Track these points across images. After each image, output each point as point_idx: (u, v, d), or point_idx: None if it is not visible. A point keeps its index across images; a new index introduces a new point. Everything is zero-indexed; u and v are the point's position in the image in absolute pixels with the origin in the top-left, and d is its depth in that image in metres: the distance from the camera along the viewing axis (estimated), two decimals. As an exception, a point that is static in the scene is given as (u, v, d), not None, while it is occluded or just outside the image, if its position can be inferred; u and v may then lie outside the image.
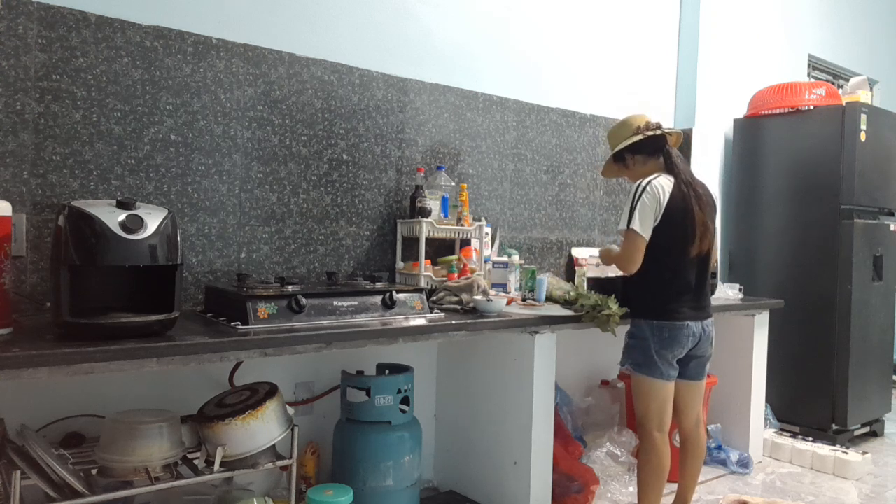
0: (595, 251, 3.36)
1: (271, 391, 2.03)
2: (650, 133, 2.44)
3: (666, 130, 2.47)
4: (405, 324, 2.13)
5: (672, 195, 2.31)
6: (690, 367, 2.45)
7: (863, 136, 3.69)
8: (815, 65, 5.02)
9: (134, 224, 1.65)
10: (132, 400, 2.10)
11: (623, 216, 2.35)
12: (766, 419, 3.55)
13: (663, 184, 2.32)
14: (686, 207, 2.31)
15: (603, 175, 2.73)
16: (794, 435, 3.64)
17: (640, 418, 2.43)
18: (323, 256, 2.64)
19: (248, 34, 2.44)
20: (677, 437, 2.64)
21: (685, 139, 4.01)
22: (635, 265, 2.33)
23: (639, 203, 2.30)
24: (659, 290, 2.36)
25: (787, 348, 3.79)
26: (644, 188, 2.31)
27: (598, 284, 2.79)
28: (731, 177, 4.23)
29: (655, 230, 2.31)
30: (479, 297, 2.41)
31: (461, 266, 2.73)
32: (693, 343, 2.37)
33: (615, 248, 2.54)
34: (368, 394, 2.36)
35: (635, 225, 2.29)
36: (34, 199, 2.04)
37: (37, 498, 1.69)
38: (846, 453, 3.30)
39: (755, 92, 4.18)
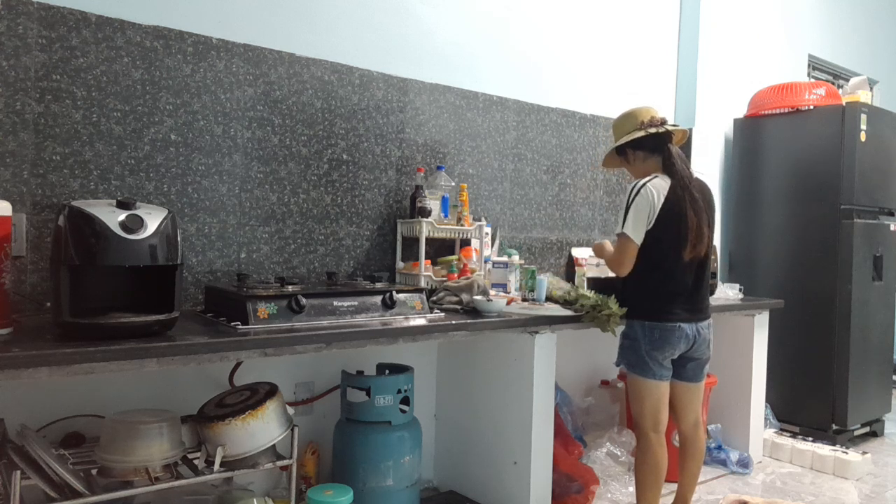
0: (595, 252, 3.36)
1: (271, 391, 2.04)
2: (653, 130, 2.41)
3: (670, 127, 2.43)
4: (405, 324, 2.13)
5: (667, 198, 2.30)
6: (688, 370, 2.45)
7: (863, 136, 3.69)
8: (815, 65, 5.02)
9: (134, 224, 1.65)
10: (132, 400, 2.10)
11: (619, 219, 2.36)
12: (766, 419, 3.55)
13: (657, 186, 2.31)
14: (680, 211, 2.30)
15: (603, 166, 2.71)
16: (794, 435, 3.64)
17: (636, 418, 2.43)
18: (323, 256, 2.64)
19: (248, 34, 2.44)
20: (677, 438, 2.64)
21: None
22: (625, 269, 2.35)
23: (632, 207, 2.30)
24: (652, 291, 2.36)
25: (787, 348, 3.79)
26: (637, 191, 2.30)
27: (598, 284, 2.79)
28: (730, 177, 4.23)
29: (649, 232, 2.31)
30: (479, 297, 2.41)
31: (461, 266, 2.73)
32: (687, 345, 2.37)
33: (609, 245, 2.53)
34: (368, 394, 2.36)
35: (628, 229, 2.30)
36: (34, 199, 2.04)
37: (37, 498, 1.69)
38: (846, 453, 3.30)
39: (755, 92, 4.18)
